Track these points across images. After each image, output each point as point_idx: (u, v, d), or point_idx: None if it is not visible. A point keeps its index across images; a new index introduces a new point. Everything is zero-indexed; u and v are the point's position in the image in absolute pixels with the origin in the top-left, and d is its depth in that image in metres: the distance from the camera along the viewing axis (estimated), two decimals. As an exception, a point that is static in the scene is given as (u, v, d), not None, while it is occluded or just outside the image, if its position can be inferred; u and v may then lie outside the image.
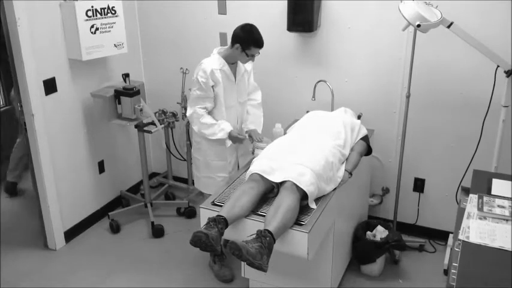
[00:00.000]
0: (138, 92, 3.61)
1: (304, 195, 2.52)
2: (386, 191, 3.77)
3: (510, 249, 1.89)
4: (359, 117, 3.40)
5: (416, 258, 3.53)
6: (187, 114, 3.14)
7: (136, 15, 4.13)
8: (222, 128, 3.08)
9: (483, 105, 3.14)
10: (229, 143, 3.12)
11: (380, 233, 3.33)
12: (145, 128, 3.77)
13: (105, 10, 3.48)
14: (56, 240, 3.66)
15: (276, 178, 2.58)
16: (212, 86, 3.04)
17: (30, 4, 3.19)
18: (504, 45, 3.04)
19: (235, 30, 3.02)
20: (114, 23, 3.56)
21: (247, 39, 2.97)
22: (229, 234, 2.43)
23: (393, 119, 3.54)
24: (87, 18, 3.37)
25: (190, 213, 4.06)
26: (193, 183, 4.28)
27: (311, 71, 3.65)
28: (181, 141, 4.22)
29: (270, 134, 3.33)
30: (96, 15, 3.43)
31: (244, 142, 3.21)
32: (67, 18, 3.38)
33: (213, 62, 3.05)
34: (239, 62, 3.15)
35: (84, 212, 3.93)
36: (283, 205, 2.40)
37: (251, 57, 3.05)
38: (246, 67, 3.21)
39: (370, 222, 3.45)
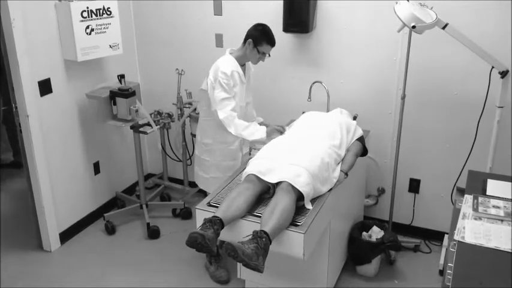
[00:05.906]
0: (133, 93, 3.60)
1: (300, 196, 2.52)
2: (381, 191, 3.77)
3: (505, 250, 1.89)
4: (355, 118, 3.40)
5: (411, 258, 3.54)
6: (221, 117, 3.05)
7: (132, 16, 4.13)
8: (258, 128, 3.12)
9: (478, 105, 3.15)
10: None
11: (375, 233, 3.34)
12: (141, 129, 3.77)
13: (101, 11, 3.47)
14: (51, 241, 3.65)
15: (271, 179, 2.58)
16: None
17: (25, 5, 3.18)
18: (499, 46, 3.05)
19: (248, 30, 3.12)
20: (110, 23, 3.55)
21: (259, 36, 3.08)
22: (225, 235, 2.42)
23: (389, 119, 3.55)
24: (82, 19, 3.37)
25: (186, 214, 4.05)
26: (189, 184, 4.30)
27: (307, 71, 3.66)
28: (177, 142, 4.21)
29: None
30: (92, 16, 3.42)
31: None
32: (62, 19, 3.37)
33: (231, 63, 3.09)
34: (247, 64, 3.21)
35: (80, 213, 3.91)
36: (279, 206, 2.39)
37: (262, 55, 3.12)
38: (252, 69, 3.29)
39: (366, 223, 3.45)
